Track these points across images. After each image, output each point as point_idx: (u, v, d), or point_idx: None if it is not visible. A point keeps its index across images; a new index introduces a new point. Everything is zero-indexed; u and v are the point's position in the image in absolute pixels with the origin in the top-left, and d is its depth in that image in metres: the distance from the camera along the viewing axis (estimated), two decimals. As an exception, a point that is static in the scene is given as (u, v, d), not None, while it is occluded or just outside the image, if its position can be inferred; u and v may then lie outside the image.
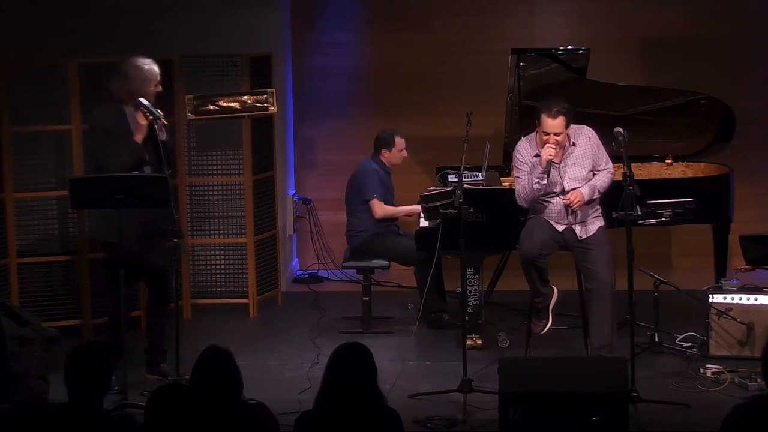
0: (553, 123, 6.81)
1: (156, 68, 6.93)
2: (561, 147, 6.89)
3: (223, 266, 8.79)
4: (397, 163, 8.40)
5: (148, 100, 6.84)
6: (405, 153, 8.38)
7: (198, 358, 4.57)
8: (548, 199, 6.96)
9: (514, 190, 7.12)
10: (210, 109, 8.24)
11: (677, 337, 7.48)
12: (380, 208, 8.21)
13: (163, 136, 6.81)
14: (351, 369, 4.51)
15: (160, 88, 6.96)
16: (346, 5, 9.94)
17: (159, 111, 6.85)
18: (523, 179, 6.94)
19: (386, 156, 8.31)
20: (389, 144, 8.31)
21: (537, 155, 6.90)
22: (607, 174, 6.99)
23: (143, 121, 6.82)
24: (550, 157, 6.80)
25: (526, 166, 6.95)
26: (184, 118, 8.32)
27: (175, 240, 6.61)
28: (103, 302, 7.47)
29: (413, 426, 6.18)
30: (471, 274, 7.47)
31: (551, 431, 5.69)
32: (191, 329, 8.07)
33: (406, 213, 8.37)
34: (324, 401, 4.52)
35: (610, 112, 8.21)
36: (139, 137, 6.84)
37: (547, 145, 6.80)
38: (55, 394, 6.05)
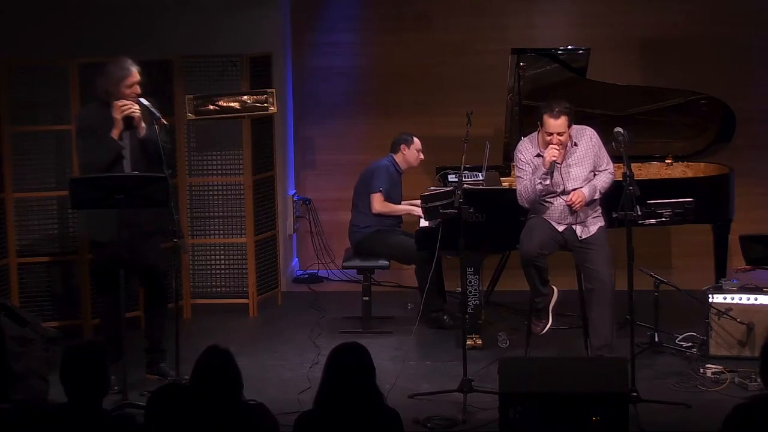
0: (555, 123, 6.81)
1: (132, 68, 6.87)
2: (563, 147, 6.89)
3: (223, 266, 8.79)
4: (413, 164, 8.44)
5: (115, 106, 6.81)
6: (422, 156, 8.41)
7: (198, 358, 4.57)
8: (549, 200, 6.96)
9: (514, 190, 7.12)
10: (210, 109, 8.24)
11: (677, 337, 7.48)
12: (379, 203, 8.22)
13: (142, 132, 6.81)
14: (349, 369, 4.51)
15: (137, 90, 6.86)
16: (346, 5, 9.94)
17: (157, 112, 6.85)
18: (525, 179, 6.94)
19: (405, 153, 8.35)
20: (408, 141, 8.35)
21: (539, 155, 6.90)
22: (608, 174, 6.99)
23: (118, 116, 6.81)
24: (554, 158, 6.79)
25: (527, 166, 6.94)
26: (184, 118, 8.32)
27: (175, 240, 6.61)
28: (99, 302, 7.48)
29: (413, 426, 6.18)
30: (471, 274, 7.47)
31: (551, 431, 5.69)
32: (191, 329, 8.07)
33: (405, 212, 8.38)
34: (323, 402, 4.52)
35: (610, 112, 8.21)
36: (115, 132, 6.83)
37: (551, 146, 6.80)
38: (55, 394, 6.05)
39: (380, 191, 8.22)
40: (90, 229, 7.10)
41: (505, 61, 8.20)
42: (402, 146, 8.39)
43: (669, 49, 9.70)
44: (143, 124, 6.82)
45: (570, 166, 6.94)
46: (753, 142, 9.50)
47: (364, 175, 8.39)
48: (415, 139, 8.41)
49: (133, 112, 6.80)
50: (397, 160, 8.39)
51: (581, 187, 6.90)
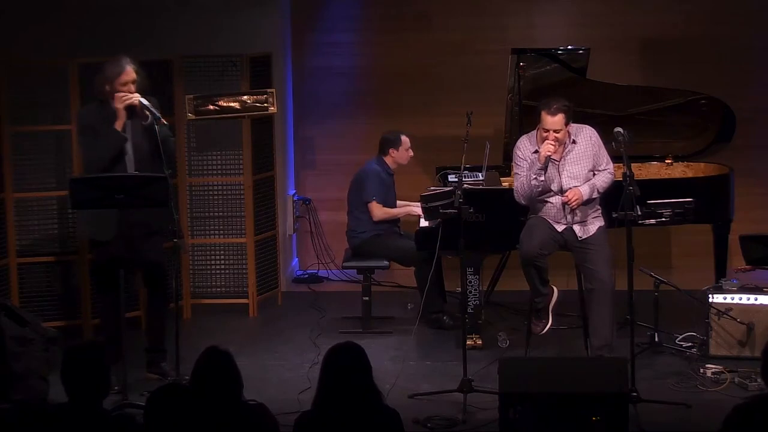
0: (552, 120, 6.82)
1: (127, 67, 6.85)
2: (561, 144, 6.90)
3: (223, 266, 8.79)
4: (403, 163, 8.40)
5: (116, 97, 6.81)
6: (411, 152, 8.39)
7: (198, 358, 4.58)
8: (547, 198, 6.96)
9: (513, 189, 7.12)
10: (210, 109, 8.24)
11: (677, 337, 7.48)
12: (379, 210, 8.20)
13: (147, 120, 6.81)
14: (346, 369, 4.50)
15: (132, 89, 6.83)
16: (346, 5, 9.93)
17: (157, 112, 6.85)
18: (522, 176, 6.95)
19: (394, 155, 8.31)
20: (396, 143, 8.31)
21: (536, 152, 6.91)
22: (607, 174, 6.99)
23: (120, 105, 6.80)
24: (549, 154, 6.81)
25: (525, 162, 6.96)
26: (184, 118, 8.32)
27: (175, 240, 6.61)
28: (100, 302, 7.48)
29: (413, 426, 6.18)
30: (471, 274, 7.47)
31: (551, 431, 5.69)
32: (191, 329, 8.07)
33: (405, 214, 8.38)
34: (321, 402, 4.52)
35: (610, 112, 8.21)
36: (118, 124, 6.82)
37: (546, 141, 6.81)
38: (55, 394, 6.06)
39: (375, 199, 8.19)
40: (91, 229, 7.09)
41: (505, 61, 8.19)
42: (391, 150, 8.32)
43: (669, 49, 9.69)
44: (146, 112, 6.81)
45: (567, 163, 6.94)
46: (753, 142, 9.49)
47: (355, 182, 8.33)
48: (403, 138, 8.35)
49: (134, 100, 6.79)
50: (386, 161, 8.35)
51: (579, 186, 6.91)
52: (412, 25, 9.86)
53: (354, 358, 4.54)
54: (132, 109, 6.83)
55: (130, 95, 6.80)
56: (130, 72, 6.85)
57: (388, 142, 8.33)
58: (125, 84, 6.83)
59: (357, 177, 8.34)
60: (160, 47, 8.44)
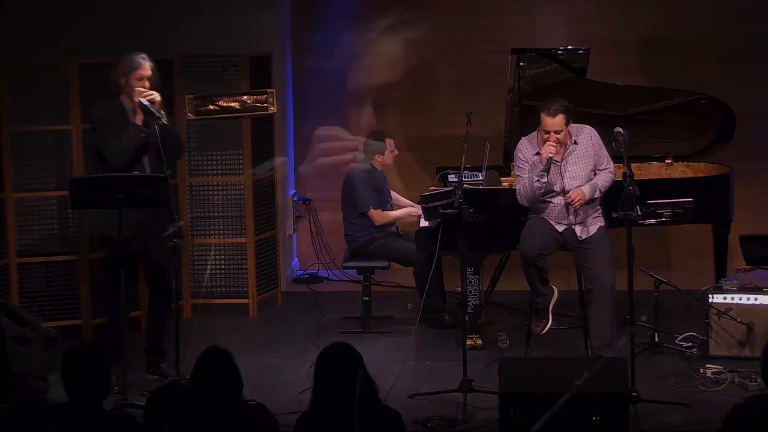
0: (552, 121, 6.82)
1: (144, 62, 6.84)
2: (562, 145, 6.90)
3: (223, 266, 8.79)
4: (389, 164, 8.40)
5: (132, 93, 6.80)
6: (396, 152, 8.38)
7: (198, 358, 4.58)
8: (549, 199, 6.96)
9: (514, 190, 7.13)
10: (210, 109, 8.23)
11: (677, 337, 7.49)
12: (379, 216, 8.18)
13: (163, 119, 6.79)
14: (338, 368, 4.50)
15: (146, 84, 6.82)
16: (346, 5, 9.93)
17: (161, 111, 6.82)
18: (524, 178, 6.95)
19: (380, 159, 8.29)
20: (381, 147, 8.30)
21: (538, 153, 6.91)
22: (608, 174, 7.00)
23: (138, 99, 6.78)
24: (551, 155, 6.81)
25: (526, 164, 6.96)
26: (184, 118, 8.31)
27: (175, 240, 6.61)
28: (101, 302, 7.47)
29: (413, 426, 6.18)
30: (471, 274, 7.47)
31: (551, 431, 5.69)
32: (191, 329, 8.07)
33: (405, 215, 8.36)
34: (318, 402, 4.51)
35: (610, 112, 8.20)
36: (138, 118, 6.80)
37: (548, 143, 6.82)
38: (55, 394, 6.06)
39: (371, 207, 8.17)
40: (104, 227, 6.98)
41: (505, 61, 8.19)
42: (377, 156, 8.30)
43: (669, 49, 9.69)
44: (162, 111, 6.80)
45: (569, 164, 6.95)
46: (753, 142, 9.49)
47: (345, 189, 8.30)
48: (387, 141, 8.29)
49: (153, 97, 6.77)
50: (373, 165, 8.33)
51: (581, 186, 6.91)
52: (412, 24, 9.85)
53: (346, 357, 4.53)
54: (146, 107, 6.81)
55: (150, 91, 6.78)
56: (147, 68, 6.84)
57: (374, 148, 8.30)
58: (141, 79, 6.81)
59: (346, 184, 8.30)
60: (160, 47, 8.43)
